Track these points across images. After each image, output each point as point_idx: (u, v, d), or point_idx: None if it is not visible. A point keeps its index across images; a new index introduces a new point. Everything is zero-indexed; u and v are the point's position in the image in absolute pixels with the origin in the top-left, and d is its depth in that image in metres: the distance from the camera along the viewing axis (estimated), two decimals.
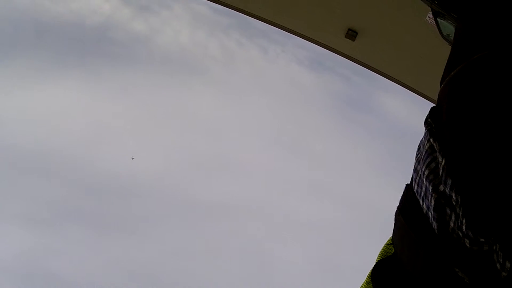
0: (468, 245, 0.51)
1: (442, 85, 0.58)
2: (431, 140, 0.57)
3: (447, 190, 0.54)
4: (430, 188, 0.56)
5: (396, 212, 0.63)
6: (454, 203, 0.52)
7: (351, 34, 5.66)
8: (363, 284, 0.65)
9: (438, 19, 0.93)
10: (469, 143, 0.51)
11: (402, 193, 0.64)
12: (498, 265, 0.48)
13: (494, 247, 0.49)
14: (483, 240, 0.49)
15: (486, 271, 0.50)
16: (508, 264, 0.48)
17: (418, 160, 0.60)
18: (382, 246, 0.66)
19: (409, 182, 0.63)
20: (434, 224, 0.55)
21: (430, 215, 0.56)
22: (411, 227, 0.58)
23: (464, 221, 0.51)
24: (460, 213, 0.52)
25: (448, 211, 0.54)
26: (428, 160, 0.57)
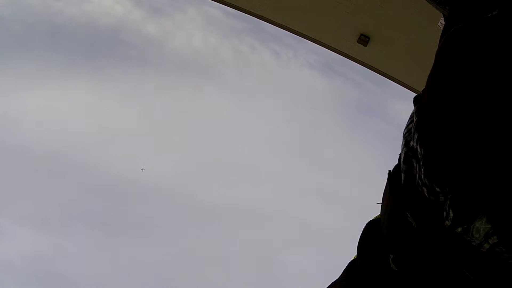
0: (426, 194, 0.54)
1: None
2: (414, 104, 0.62)
3: (414, 144, 0.57)
4: (403, 142, 0.61)
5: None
6: (419, 156, 0.56)
7: (364, 39, 5.68)
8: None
9: None
10: (437, 103, 0.55)
11: None
12: (444, 214, 0.51)
13: (448, 197, 0.52)
14: (438, 189, 0.52)
15: (434, 219, 0.53)
16: (451, 214, 0.51)
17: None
18: None
19: None
20: (402, 176, 0.60)
21: (401, 169, 0.61)
22: (390, 185, 0.62)
23: (422, 170, 0.54)
24: (421, 163, 0.55)
25: (415, 164, 0.57)
26: (409, 121, 0.62)
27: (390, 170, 0.67)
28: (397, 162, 0.67)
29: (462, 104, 0.51)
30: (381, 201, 0.67)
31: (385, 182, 0.66)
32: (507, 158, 0.47)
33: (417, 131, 0.58)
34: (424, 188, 0.54)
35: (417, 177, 0.56)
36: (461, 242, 0.50)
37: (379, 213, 0.68)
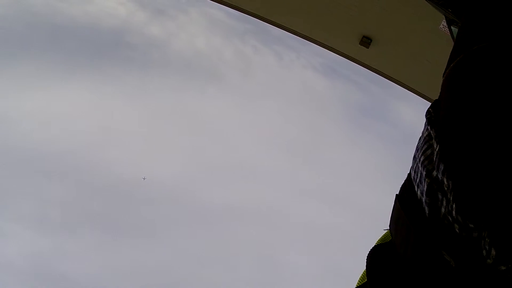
0: (457, 230, 0.52)
1: (443, 78, 0.61)
2: (429, 128, 0.59)
3: (440, 176, 0.55)
4: (424, 173, 0.58)
5: (395, 199, 0.64)
6: (445, 188, 0.53)
7: (366, 41, 5.68)
8: (363, 272, 0.66)
9: (451, 27, 0.96)
10: (463, 131, 0.53)
11: (403, 182, 0.66)
12: (484, 252, 0.49)
13: (483, 234, 0.50)
14: (472, 226, 0.50)
15: (472, 257, 0.51)
16: (493, 252, 0.49)
17: (417, 149, 0.62)
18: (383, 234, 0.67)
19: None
20: (426, 209, 0.57)
21: (423, 200, 0.58)
22: (406, 212, 0.59)
23: (454, 206, 0.52)
24: (451, 198, 0.52)
25: (440, 196, 0.55)
26: (425, 147, 0.59)
27: (397, 194, 0.65)
28: (402, 181, 0.65)
29: (491, 139, 0.50)
30: (390, 226, 0.64)
31: (394, 207, 0.64)
32: None
33: (442, 161, 0.55)
34: (455, 224, 0.52)
35: (443, 211, 0.54)
36: (506, 281, 0.49)
37: (382, 236, 0.66)
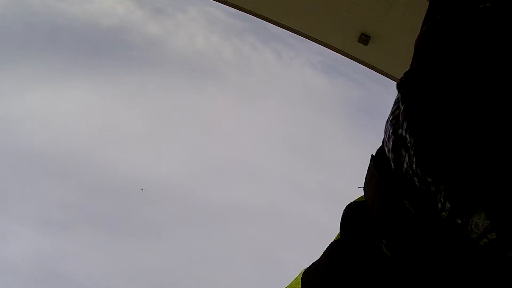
0: (417, 183, 0.54)
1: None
2: (397, 91, 0.62)
3: (403, 133, 0.57)
4: (391, 131, 0.60)
5: (370, 159, 0.66)
6: (408, 145, 0.56)
7: (364, 38, 5.68)
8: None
9: None
10: (425, 92, 0.55)
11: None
12: (440, 205, 0.51)
13: (440, 188, 0.51)
14: (430, 180, 0.52)
15: (430, 208, 0.53)
16: (448, 205, 0.50)
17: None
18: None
19: None
20: (392, 165, 0.59)
21: (390, 157, 0.60)
22: (377, 169, 0.62)
23: (414, 160, 0.54)
24: (412, 153, 0.55)
25: (403, 152, 0.57)
26: (394, 107, 0.61)
27: (373, 154, 0.67)
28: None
29: (453, 93, 0.51)
30: (364, 185, 0.66)
31: (369, 166, 0.66)
32: (503, 149, 0.47)
33: (406, 119, 0.57)
34: (415, 177, 0.55)
35: (405, 166, 0.57)
36: (460, 233, 0.50)
37: (361, 196, 0.68)
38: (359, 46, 5.77)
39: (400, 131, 0.58)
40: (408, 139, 0.56)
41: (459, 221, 0.50)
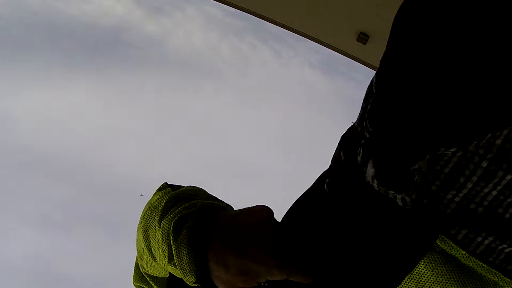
0: (364, 128, 0.64)
1: None
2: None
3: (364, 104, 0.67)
4: (361, 114, 0.69)
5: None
6: (365, 110, 0.66)
7: (363, 37, 5.69)
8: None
9: None
10: (388, 81, 0.61)
11: None
12: (359, 153, 0.62)
13: (363, 141, 0.62)
14: (367, 134, 0.62)
15: (360, 178, 0.63)
16: (361, 153, 0.61)
17: None
18: None
19: None
20: (360, 112, 0.69)
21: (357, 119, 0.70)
22: (342, 139, 0.72)
23: (366, 117, 0.64)
24: (366, 115, 0.65)
25: (362, 112, 0.67)
26: (367, 90, 0.69)
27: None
28: None
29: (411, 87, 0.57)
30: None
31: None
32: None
33: (370, 89, 0.67)
34: (364, 122, 0.65)
35: (360, 126, 0.67)
36: (385, 199, 0.61)
37: None
38: (357, 45, 5.78)
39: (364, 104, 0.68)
40: (364, 105, 0.66)
41: (363, 168, 0.61)
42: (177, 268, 0.69)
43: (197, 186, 0.84)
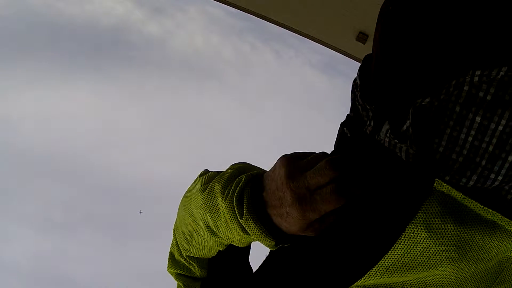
0: (360, 111, 0.75)
1: None
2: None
3: (357, 79, 0.78)
4: (351, 104, 0.80)
5: None
6: (358, 87, 0.77)
7: (362, 37, 5.72)
8: None
9: None
10: (381, 60, 0.71)
11: None
12: (368, 123, 0.72)
13: (370, 114, 0.72)
14: (368, 107, 0.72)
15: (361, 129, 0.74)
16: (372, 124, 0.71)
17: None
18: None
19: None
20: (351, 103, 0.80)
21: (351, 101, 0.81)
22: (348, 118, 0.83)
23: (358, 94, 0.76)
24: (358, 91, 0.76)
25: (356, 92, 0.78)
26: (353, 84, 0.81)
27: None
28: None
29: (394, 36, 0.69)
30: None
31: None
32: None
33: (362, 67, 0.79)
34: (359, 106, 0.76)
35: (356, 101, 0.78)
36: (375, 142, 0.70)
37: None
38: (357, 44, 5.81)
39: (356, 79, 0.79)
40: (358, 81, 0.78)
41: (377, 137, 0.70)
42: (254, 239, 0.77)
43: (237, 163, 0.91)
